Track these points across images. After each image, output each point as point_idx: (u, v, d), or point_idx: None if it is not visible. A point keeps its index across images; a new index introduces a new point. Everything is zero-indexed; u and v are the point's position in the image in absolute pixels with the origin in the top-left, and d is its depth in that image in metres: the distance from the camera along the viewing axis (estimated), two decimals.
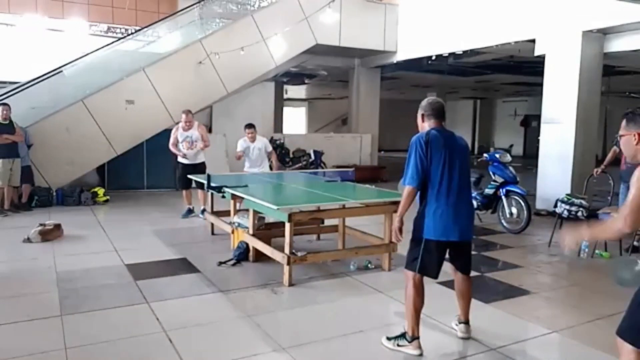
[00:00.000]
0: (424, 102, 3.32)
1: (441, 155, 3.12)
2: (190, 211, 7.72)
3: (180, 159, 7.67)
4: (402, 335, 3.27)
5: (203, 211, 7.38)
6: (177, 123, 7.96)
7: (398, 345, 3.26)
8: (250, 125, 7.46)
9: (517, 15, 8.75)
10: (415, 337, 3.22)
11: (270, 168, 7.75)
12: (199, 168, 7.49)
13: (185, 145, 7.49)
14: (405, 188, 3.19)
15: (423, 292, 3.25)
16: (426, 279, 3.30)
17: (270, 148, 7.70)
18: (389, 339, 3.32)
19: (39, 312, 3.81)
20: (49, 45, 11.14)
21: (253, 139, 7.42)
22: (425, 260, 3.16)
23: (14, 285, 4.48)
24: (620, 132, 2.46)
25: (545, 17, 8.18)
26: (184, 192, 7.71)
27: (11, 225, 6.94)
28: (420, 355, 3.20)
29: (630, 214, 2.18)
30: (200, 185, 6.89)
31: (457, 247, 3.27)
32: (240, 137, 7.55)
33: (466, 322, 3.50)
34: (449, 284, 4.66)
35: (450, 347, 3.41)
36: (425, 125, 3.28)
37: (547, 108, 8.20)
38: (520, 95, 22.52)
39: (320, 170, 10.52)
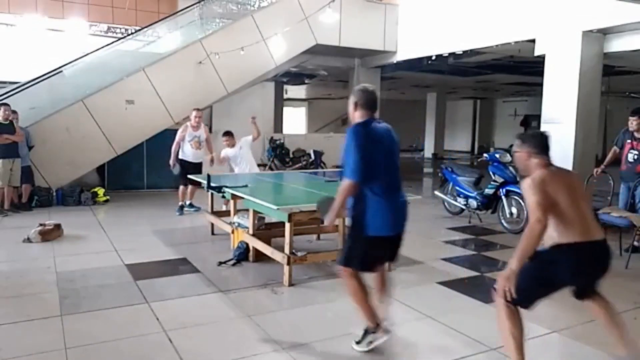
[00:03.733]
0: (357, 89, 3.17)
1: (381, 149, 3.04)
2: (183, 207, 7.92)
3: (184, 157, 7.77)
4: (366, 333, 3.21)
5: (191, 205, 7.85)
6: (185, 117, 8.25)
7: (369, 342, 3.20)
8: (226, 133, 7.63)
9: (517, 15, 8.74)
10: (377, 325, 3.18)
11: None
12: (199, 167, 7.73)
13: (193, 144, 7.70)
14: (347, 182, 2.97)
15: (363, 282, 3.18)
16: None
17: (250, 139, 7.62)
18: (358, 342, 3.22)
19: (39, 312, 3.81)
20: (49, 45, 11.13)
21: (232, 145, 7.51)
22: (368, 256, 3.11)
23: (14, 285, 4.48)
24: (514, 149, 3.00)
25: (545, 17, 8.18)
26: (182, 187, 7.80)
27: (11, 225, 6.94)
28: (388, 334, 3.24)
29: (537, 215, 2.64)
30: (192, 182, 7.32)
31: (396, 240, 3.24)
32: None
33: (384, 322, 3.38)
34: (449, 284, 4.67)
35: (450, 347, 3.41)
36: (356, 115, 3.12)
37: (547, 108, 8.19)
38: (520, 95, 22.52)
39: (320, 170, 10.53)
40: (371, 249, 3.09)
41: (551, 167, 2.90)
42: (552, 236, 2.78)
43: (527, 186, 2.79)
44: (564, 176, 2.91)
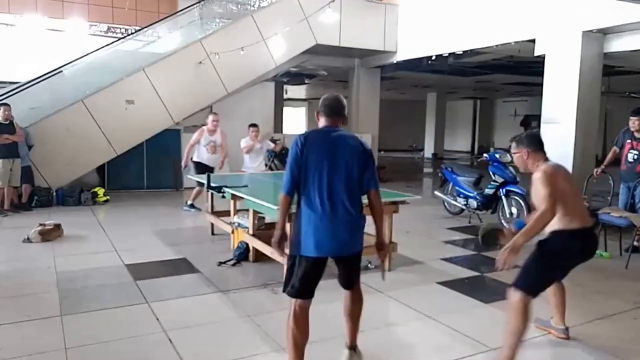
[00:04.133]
0: (321, 97, 2.94)
1: (318, 158, 2.70)
2: (193, 206, 8.03)
3: (199, 159, 7.89)
4: None
5: (192, 206, 7.94)
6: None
7: None
8: (255, 125, 8.00)
9: (517, 15, 8.74)
10: None
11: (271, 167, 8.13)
12: (213, 171, 7.88)
13: (209, 149, 7.82)
14: (279, 195, 2.79)
15: (305, 322, 2.74)
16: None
17: (271, 146, 8.47)
18: None
19: (39, 312, 3.81)
20: (49, 45, 11.13)
21: (256, 137, 7.89)
22: (301, 280, 2.72)
23: (14, 285, 4.48)
24: (512, 151, 3.29)
25: (545, 17, 8.18)
26: (198, 188, 7.80)
27: (11, 225, 6.93)
28: None
29: (549, 205, 2.87)
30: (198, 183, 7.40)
31: (337, 262, 2.91)
32: (241, 137, 7.66)
33: (353, 348, 3.06)
34: (449, 284, 4.68)
35: (450, 347, 3.41)
36: (319, 123, 2.91)
37: (547, 108, 8.19)
38: (520, 95, 22.52)
39: None
40: (303, 271, 2.71)
41: (550, 162, 3.18)
42: (552, 224, 3.01)
43: (538, 178, 3.02)
44: (564, 170, 3.21)
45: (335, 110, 2.87)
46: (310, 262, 2.71)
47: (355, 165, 2.77)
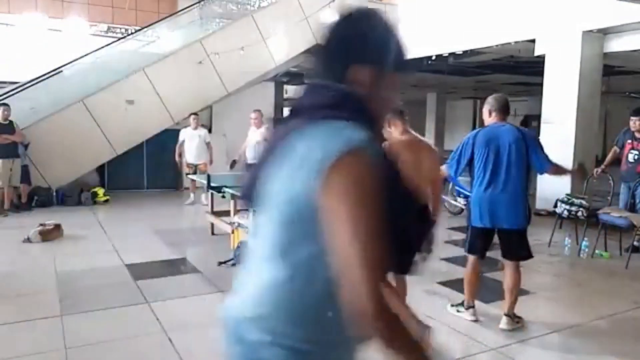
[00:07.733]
0: (489, 98, 3.59)
1: (483, 151, 3.46)
2: None
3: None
4: (461, 303, 3.78)
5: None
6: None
7: (457, 311, 3.80)
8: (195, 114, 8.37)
9: (517, 15, 8.74)
10: (470, 306, 3.73)
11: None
12: None
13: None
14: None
15: (475, 271, 3.72)
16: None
17: (208, 139, 8.31)
18: (452, 305, 3.86)
19: (39, 312, 3.81)
20: (49, 45, 11.13)
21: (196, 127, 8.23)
22: (471, 243, 3.71)
23: (14, 285, 4.48)
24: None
25: (545, 17, 8.18)
26: None
27: (11, 225, 6.93)
28: (475, 321, 3.66)
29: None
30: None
31: (499, 233, 3.58)
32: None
33: (507, 315, 3.59)
34: (449, 284, 4.67)
35: (450, 347, 3.40)
36: (490, 120, 3.55)
37: (547, 108, 8.19)
38: (520, 95, 22.50)
39: None
40: (472, 237, 3.66)
41: None
42: None
43: None
44: None
45: (506, 108, 3.55)
46: (477, 230, 3.56)
47: (512, 155, 3.39)
